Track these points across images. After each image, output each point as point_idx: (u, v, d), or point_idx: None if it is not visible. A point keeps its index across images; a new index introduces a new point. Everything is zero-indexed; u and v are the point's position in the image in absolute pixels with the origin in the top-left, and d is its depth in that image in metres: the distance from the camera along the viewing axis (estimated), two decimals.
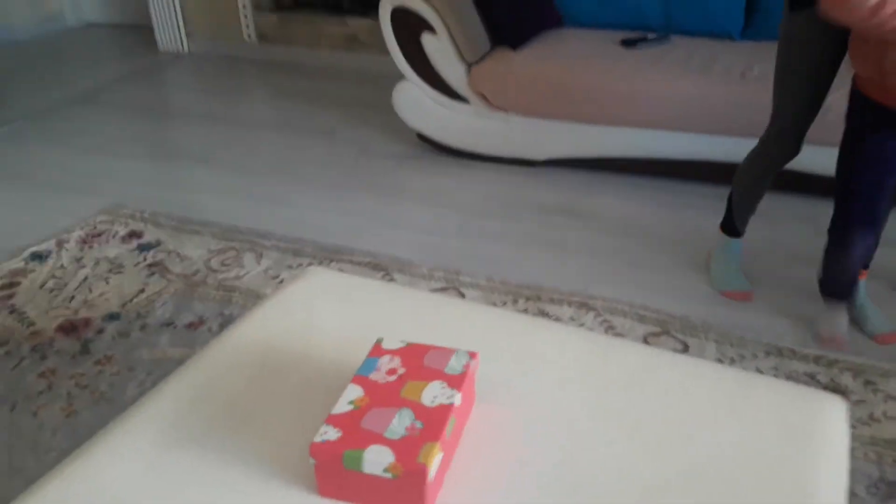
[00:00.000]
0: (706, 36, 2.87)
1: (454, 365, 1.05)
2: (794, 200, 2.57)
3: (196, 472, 0.99)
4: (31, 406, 1.77)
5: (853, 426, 1.64)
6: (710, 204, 2.46)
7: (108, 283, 2.24)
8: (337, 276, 1.48)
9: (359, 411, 0.97)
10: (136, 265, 2.33)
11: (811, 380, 1.77)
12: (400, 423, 0.94)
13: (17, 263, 2.35)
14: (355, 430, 0.94)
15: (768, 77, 2.51)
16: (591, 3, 2.97)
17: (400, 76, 2.95)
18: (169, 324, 2.04)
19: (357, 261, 2.34)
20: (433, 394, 0.99)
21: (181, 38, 4.42)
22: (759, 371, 1.78)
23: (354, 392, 1.00)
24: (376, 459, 0.90)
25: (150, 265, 2.33)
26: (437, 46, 2.81)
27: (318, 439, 0.92)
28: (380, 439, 0.92)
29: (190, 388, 1.15)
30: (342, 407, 0.97)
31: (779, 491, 0.95)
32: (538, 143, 2.84)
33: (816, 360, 1.84)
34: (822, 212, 2.49)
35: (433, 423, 0.94)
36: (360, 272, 2.28)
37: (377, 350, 1.08)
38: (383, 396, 0.99)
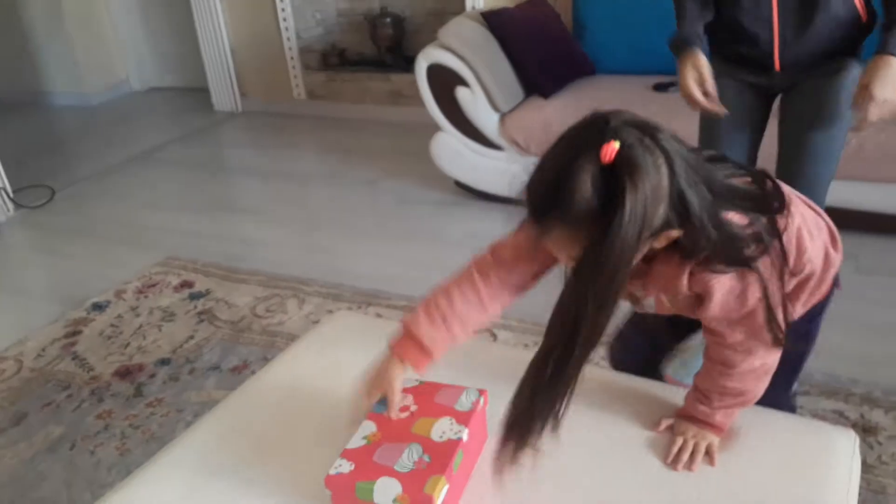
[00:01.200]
0: None
1: (464, 402, 1.11)
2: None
3: (226, 499, 1.07)
4: (88, 445, 1.89)
5: (885, 462, 1.63)
6: None
7: (160, 330, 2.38)
8: (363, 319, 1.58)
9: (371, 446, 1.04)
10: (186, 313, 2.47)
11: (840, 417, 1.76)
12: (409, 458, 1.01)
13: (79, 313, 2.52)
14: (367, 463, 1.01)
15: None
16: (623, 51, 3.05)
17: (437, 127, 3.08)
18: (215, 368, 2.16)
19: (393, 304, 2.43)
20: (442, 429, 1.06)
21: (235, 98, 4.68)
22: None
23: (368, 428, 1.08)
24: (386, 491, 0.97)
25: (199, 313, 2.47)
26: (470, 99, 2.93)
27: (332, 472, 1.00)
28: (390, 472, 0.99)
29: (223, 425, 1.24)
30: (356, 442, 1.05)
31: None
32: None
33: (847, 398, 1.83)
34: (865, 246, 2.49)
35: (441, 457, 1.01)
36: (396, 316, 2.36)
37: None
38: (395, 432, 1.06)
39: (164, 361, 2.21)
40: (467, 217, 3.05)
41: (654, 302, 1.11)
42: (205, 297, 2.57)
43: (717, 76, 1.68)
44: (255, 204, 3.46)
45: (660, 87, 2.88)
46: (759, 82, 1.76)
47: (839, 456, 1.11)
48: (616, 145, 0.81)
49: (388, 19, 4.05)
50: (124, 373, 2.18)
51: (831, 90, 1.65)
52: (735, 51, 1.72)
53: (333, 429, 1.17)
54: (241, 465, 1.13)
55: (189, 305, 2.52)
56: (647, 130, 0.84)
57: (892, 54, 1.44)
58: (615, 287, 0.85)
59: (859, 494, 1.51)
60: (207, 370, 2.15)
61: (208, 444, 1.20)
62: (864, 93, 1.50)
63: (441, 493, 0.97)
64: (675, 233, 0.88)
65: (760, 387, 1.08)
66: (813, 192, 1.65)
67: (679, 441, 1.08)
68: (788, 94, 1.75)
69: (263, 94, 4.61)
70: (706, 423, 1.09)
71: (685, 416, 1.11)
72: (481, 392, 1.13)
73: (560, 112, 2.80)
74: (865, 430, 1.71)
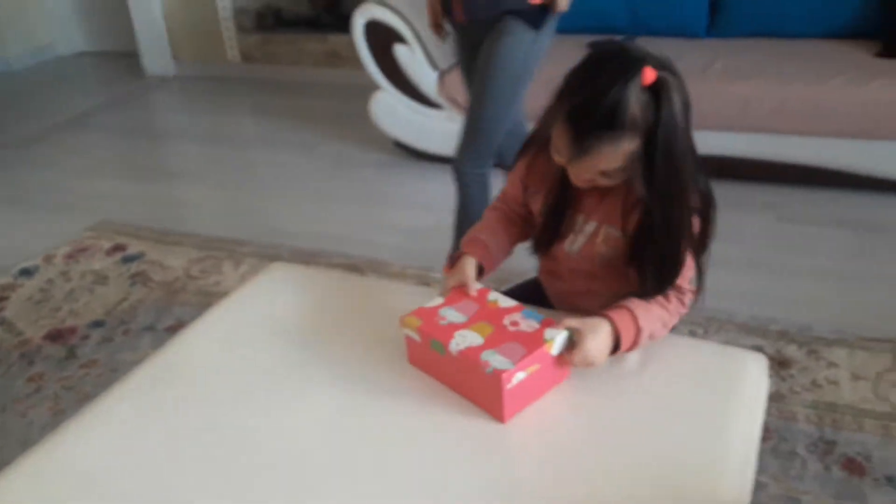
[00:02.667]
0: (672, 36, 2.97)
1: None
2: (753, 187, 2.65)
3: (157, 446, 1.07)
4: (19, 407, 1.86)
5: (797, 391, 1.72)
6: None
7: (92, 293, 2.33)
8: (300, 270, 1.56)
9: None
10: (119, 276, 2.42)
11: (758, 351, 1.85)
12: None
13: (5, 279, 2.44)
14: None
15: (729, 71, 2.62)
16: None
17: (376, 87, 3.06)
18: (150, 328, 2.13)
19: (333, 263, 2.43)
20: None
21: (168, 62, 4.55)
22: None
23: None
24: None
25: (132, 275, 2.42)
26: (408, 56, 2.91)
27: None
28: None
29: (156, 375, 1.23)
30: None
31: (700, 430, 1.03)
32: None
33: (765, 334, 1.92)
34: (786, 197, 2.59)
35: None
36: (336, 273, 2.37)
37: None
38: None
39: (97, 323, 2.17)
40: (407, 177, 3.05)
41: (586, 241, 1.17)
42: (138, 259, 2.51)
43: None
44: (190, 168, 3.39)
45: (595, 46, 2.91)
46: (464, 37, 2.06)
47: (749, 376, 1.16)
48: (653, 71, 0.95)
49: None
50: (55, 336, 2.13)
51: (493, 49, 1.89)
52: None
53: (266, 378, 1.17)
54: (172, 414, 1.13)
55: (122, 268, 2.47)
56: (664, 62, 0.99)
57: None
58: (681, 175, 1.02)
59: (773, 421, 1.60)
60: (142, 330, 2.12)
61: (140, 392, 1.19)
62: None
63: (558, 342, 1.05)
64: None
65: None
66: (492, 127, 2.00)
67: (585, 347, 1.04)
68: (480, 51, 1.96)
69: (197, 58, 4.49)
70: (629, 315, 1.08)
71: (606, 310, 1.09)
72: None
73: None
74: (781, 364, 1.80)
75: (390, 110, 3.07)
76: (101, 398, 1.19)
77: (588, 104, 0.98)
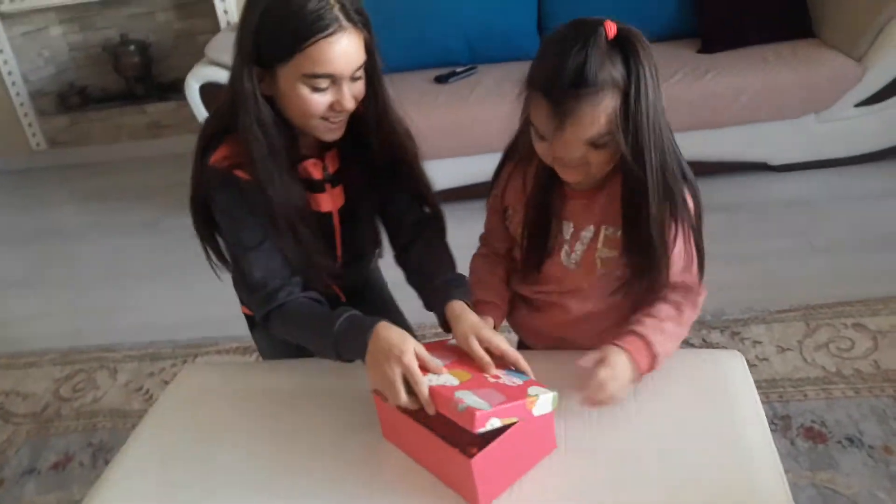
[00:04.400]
0: (510, 60, 3.04)
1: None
2: None
3: None
4: None
5: None
6: None
7: None
8: (220, 369, 1.38)
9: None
10: None
11: (686, 345, 1.90)
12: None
13: None
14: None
15: None
16: (398, 48, 3.03)
17: None
18: (31, 470, 1.79)
19: (224, 349, 2.21)
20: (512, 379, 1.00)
21: None
22: None
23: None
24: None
25: None
26: None
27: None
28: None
29: None
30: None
31: (719, 445, 0.99)
32: None
33: None
34: None
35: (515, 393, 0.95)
36: (232, 360, 2.15)
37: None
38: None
39: None
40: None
41: (585, 249, 1.10)
42: None
43: None
44: (16, 277, 2.95)
45: (440, 79, 2.91)
46: None
47: (738, 378, 1.16)
48: (613, 25, 0.93)
49: (132, 47, 3.68)
50: None
51: None
52: None
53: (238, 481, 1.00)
54: None
55: None
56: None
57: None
58: (663, 135, 0.98)
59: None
60: (21, 476, 1.78)
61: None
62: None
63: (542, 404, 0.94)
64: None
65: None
66: None
67: (604, 373, 0.99)
68: None
69: None
70: (642, 342, 1.03)
71: (617, 339, 1.04)
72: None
73: None
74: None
75: None
76: None
77: (557, 69, 0.93)
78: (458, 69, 2.96)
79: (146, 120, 3.83)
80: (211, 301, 2.48)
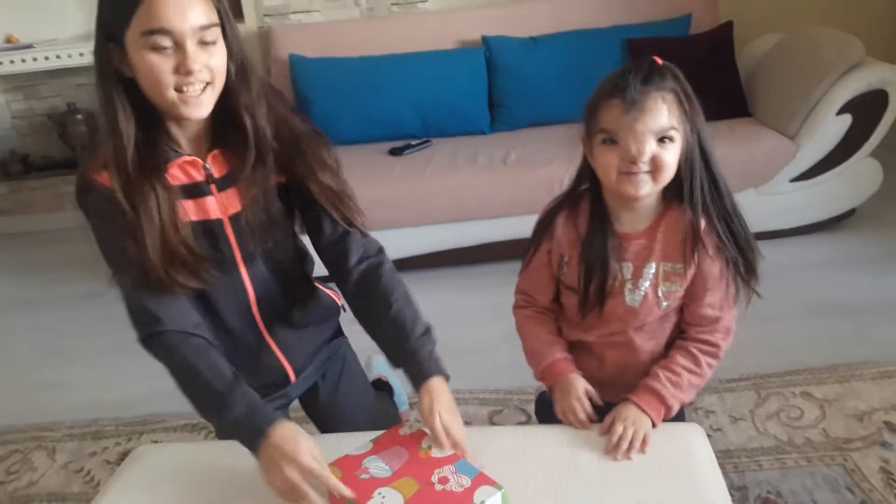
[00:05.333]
0: (462, 135, 3.11)
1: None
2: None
3: None
4: None
5: None
6: (508, 280, 2.61)
7: None
8: (167, 451, 1.32)
9: None
10: None
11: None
12: None
13: None
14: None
15: (526, 161, 2.79)
16: (353, 122, 3.08)
17: None
18: None
19: (171, 426, 2.12)
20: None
21: None
22: None
23: None
24: None
25: None
26: None
27: None
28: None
29: None
30: None
31: None
32: None
33: None
34: None
35: None
36: (179, 438, 2.07)
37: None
38: None
39: None
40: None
41: (649, 286, 1.17)
42: None
43: None
44: None
45: (395, 152, 2.95)
46: None
47: (699, 452, 1.17)
48: (659, 59, 1.11)
49: (80, 116, 3.64)
50: None
51: None
52: None
53: None
54: None
55: None
56: None
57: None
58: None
59: None
60: None
61: None
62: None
63: None
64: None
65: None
66: None
67: (620, 428, 1.10)
68: None
69: None
70: (655, 398, 1.13)
71: (632, 395, 1.16)
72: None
73: None
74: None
75: None
76: None
77: (624, 76, 1.08)
78: (413, 142, 3.02)
79: None
80: (158, 376, 2.38)
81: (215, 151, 1.13)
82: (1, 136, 3.80)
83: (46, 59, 3.35)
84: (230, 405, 1.04)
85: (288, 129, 1.15)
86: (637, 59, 1.12)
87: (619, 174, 1.10)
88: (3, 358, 2.66)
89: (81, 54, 3.35)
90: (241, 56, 1.09)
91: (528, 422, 1.94)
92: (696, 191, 1.12)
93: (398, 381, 1.92)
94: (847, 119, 2.62)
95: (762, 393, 1.94)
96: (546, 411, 1.37)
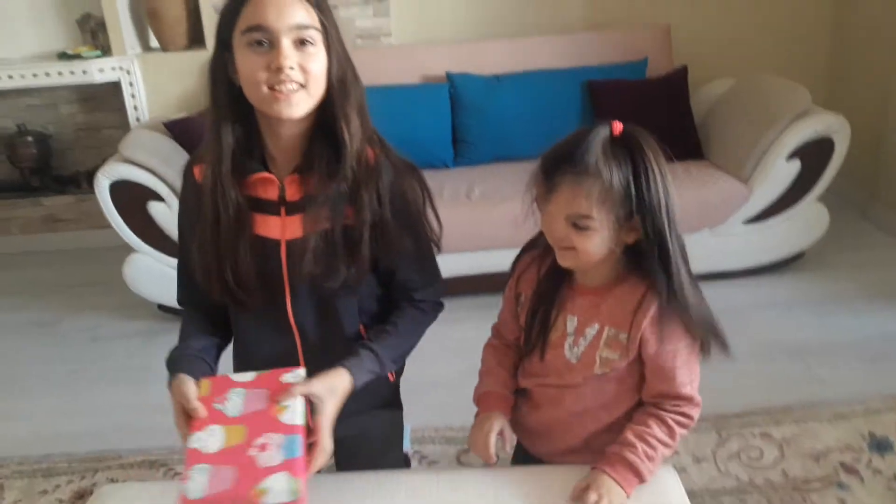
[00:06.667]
0: (425, 167, 3.12)
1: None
2: None
3: None
4: None
5: None
6: (471, 315, 2.62)
7: None
8: (132, 491, 1.28)
9: None
10: None
11: None
12: None
13: None
14: None
15: (490, 196, 2.83)
16: None
17: (120, 247, 2.75)
18: None
19: (128, 463, 2.06)
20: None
21: None
22: None
23: None
24: None
25: None
26: (166, 213, 2.67)
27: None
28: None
29: None
30: None
31: None
32: None
33: None
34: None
35: None
36: (137, 475, 2.00)
37: None
38: None
39: None
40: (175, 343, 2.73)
41: (587, 345, 1.14)
42: None
43: None
44: None
45: None
46: None
47: (673, 495, 1.20)
48: (621, 124, 1.03)
49: (30, 138, 3.53)
50: None
51: None
52: None
53: None
54: None
55: None
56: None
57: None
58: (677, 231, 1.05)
59: None
60: None
61: None
62: None
63: None
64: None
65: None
66: None
67: (594, 497, 1.06)
68: None
69: None
70: (631, 472, 1.09)
71: (607, 466, 1.10)
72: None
73: None
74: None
75: (150, 273, 2.77)
76: None
77: (554, 149, 1.06)
78: None
79: (42, 213, 3.65)
80: (114, 409, 2.33)
81: (295, 175, 1.15)
82: None
83: None
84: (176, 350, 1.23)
85: (366, 136, 1.18)
86: (599, 115, 1.10)
87: (551, 242, 1.10)
88: None
89: (35, 75, 3.26)
90: (344, 69, 1.11)
91: (494, 464, 1.94)
92: (654, 274, 1.06)
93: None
94: (796, 164, 2.74)
95: (723, 433, 1.99)
96: (522, 460, 1.38)
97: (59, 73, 3.25)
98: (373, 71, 3.24)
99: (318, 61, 1.08)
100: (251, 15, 1.04)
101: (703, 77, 3.31)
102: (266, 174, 1.13)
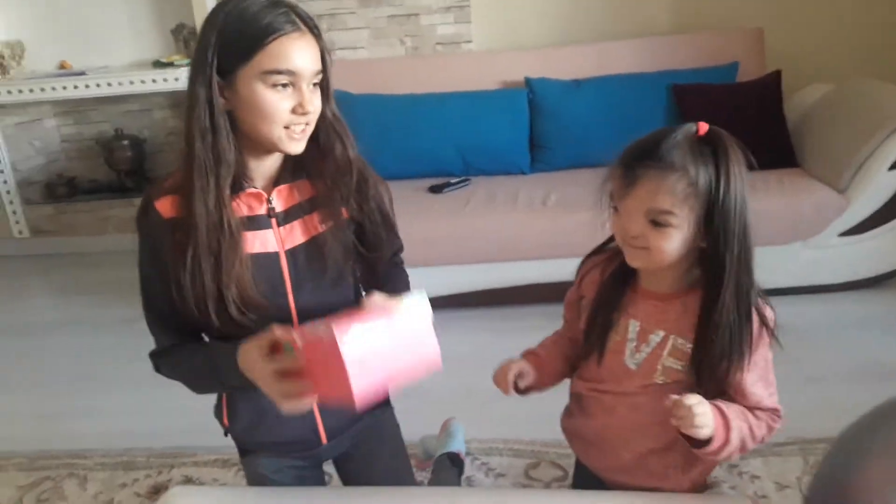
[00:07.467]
0: (502, 174, 3.11)
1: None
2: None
3: None
4: None
5: None
6: (542, 324, 2.57)
7: None
8: (202, 495, 1.30)
9: None
10: None
11: None
12: None
13: None
14: None
15: (566, 203, 2.77)
16: (394, 158, 3.09)
17: None
18: None
19: (202, 461, 2.11)
20: None
21: None
22: None
23: None
24: None
25: None
26: None
27: None
28: None
29: None
30: None
31: None
32: None
33: None
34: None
35: None
36: (210, 473, 2.05)
37: None
38: None
39: None
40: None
41: (650, 353, 1.10)
42: None
43: None
44: None
45: (435, 189, 2.96)
46: None
47: None
48: (707, 125, 1.00)
49: (126, 142, 3.71)
50: None
51: None
52: None
53: None
54: None
55: None
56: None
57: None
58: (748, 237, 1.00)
59: None
60: None
61: None
62: None
63: None
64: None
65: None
66: None
67: (694, 400, 1.00)
68: None
69: None
70: (726, 430, 1.05)
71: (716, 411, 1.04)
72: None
73: None
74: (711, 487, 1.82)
75: None
76: None
77: (638, 143, 1.03)
78: (453, 180, 3.02)
79: (133, 213, 3.80)
80: (190, 408, 2.39)
81: (281, 186, 1.17)
82: (50, 158, 3.89)
83: (98, 85, 3.43)
84: (215, 373, 1.17)
85: (347, 157, 1.20)
86: (686, 119, 1.04)
87: (621, 237, 1.06)
88: (37, 382, 2.68)
89: (132, 82, 3.43)
90: (330, 95, 1.15)
91: (563, 478, 1.89)
92: (724, 281, 1.01)
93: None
94: None
95: (810, 459, 1.87)
96: (582, 474, 1.33)
97: (154, 81, 3.41)
98: (451, 77, 3.24)
99: (319, 98, 1.12)
100: (278, 58, 1.03)
101: (798, 82, 3.15)
102: (255, 190, 1.14)
